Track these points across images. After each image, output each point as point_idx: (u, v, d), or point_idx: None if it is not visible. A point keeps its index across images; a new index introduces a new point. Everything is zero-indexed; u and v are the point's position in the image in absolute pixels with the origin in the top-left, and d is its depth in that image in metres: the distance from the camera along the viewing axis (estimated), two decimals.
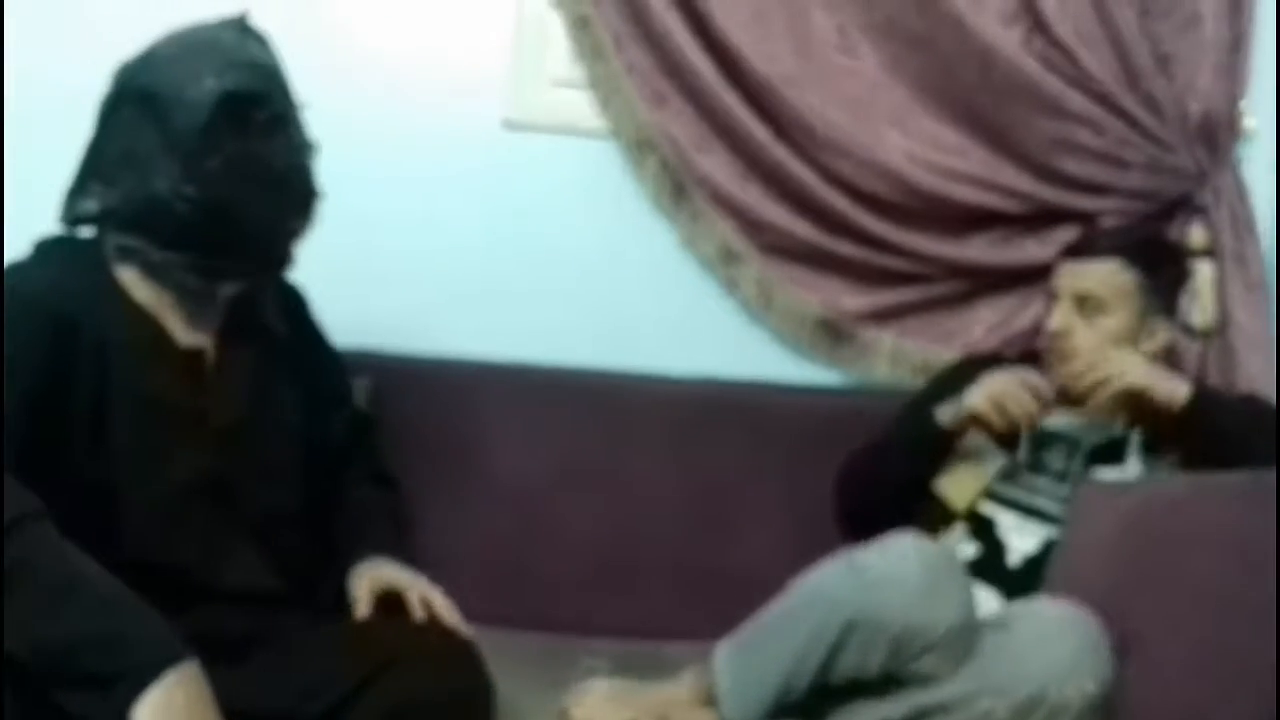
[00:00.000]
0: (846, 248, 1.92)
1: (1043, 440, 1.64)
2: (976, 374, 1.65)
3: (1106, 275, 1.63)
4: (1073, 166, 1.88)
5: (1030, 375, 1.60)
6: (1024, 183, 1.91)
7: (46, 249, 1.33)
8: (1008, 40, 1.86)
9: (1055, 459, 1.63)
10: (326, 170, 1.38)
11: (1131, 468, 1.61)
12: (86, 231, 1.34)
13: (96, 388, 1.25)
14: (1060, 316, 1.65)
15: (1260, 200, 1.94)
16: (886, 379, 1.95)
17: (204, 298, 1.34)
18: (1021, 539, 1.60)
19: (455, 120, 1.93)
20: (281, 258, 1.37)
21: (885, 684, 1.35)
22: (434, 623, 1.35)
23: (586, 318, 1.96)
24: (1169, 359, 1.72)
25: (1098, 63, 1.86)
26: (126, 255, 1.31)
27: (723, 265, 1.95)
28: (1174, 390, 1.55)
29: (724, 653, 1.42)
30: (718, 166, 1.90)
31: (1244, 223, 1.91)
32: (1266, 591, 1.30)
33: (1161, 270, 1.68)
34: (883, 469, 1.71)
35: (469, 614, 1.66)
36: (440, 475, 1.73)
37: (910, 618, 1.32)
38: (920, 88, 1.92)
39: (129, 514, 1.25)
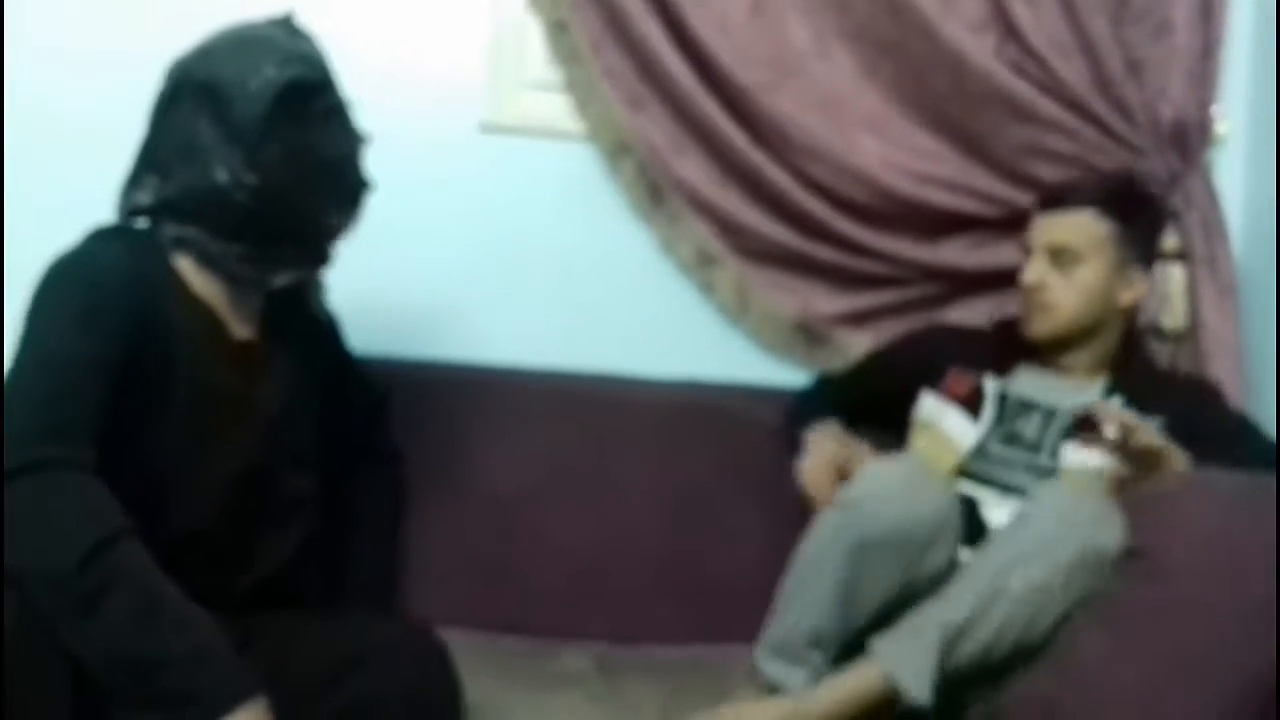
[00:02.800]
0: (823, 251, 1.93)
1: (1015, 409, 1.63)
2: (941, 344, 1.73)
3: (1080, 225, 1.62)
4: (1045, 171, 1.89)
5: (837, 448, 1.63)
6: (997, 187, 1.92)
7: (106, 236, 1.33)
8: (979, 47, 1.87)
9: (1029, 429, 1.62)
10: None
11: (1109, 434, 1.57)
12: (141, 223, 1.36)
13: (158, 374, 1.26)
14: (1035, 269, 1.64)
15: (1231, 205, 1.96)
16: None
17: (255, 288, 1.37)
18: (1003, 515, 1.60)
19: (432, 123, 1.93)
20: (331, 248, 1.40)
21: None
22: (404, 620, 1.37)
23: (564, 321, 1.96)
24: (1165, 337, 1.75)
25: (1070, 69, 1.88)
26: (182, 245, 1.33)
27: (700, 268, 1.96)
28: (1180, 460, 1.49)
29: (761, 650, 1.47)
30: (695, 170, 1.91)
31: (1215, 227, 1.92)
32: (1247, 591, 1.30)
33: (1137, 219, 1.66)
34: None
35: (450, 617, 1.67)
36: (420, 478, 1.72)
37: (903, 518, 1.41)
38: (895, 94, 1.94)
39: (178, 498, 1.27)
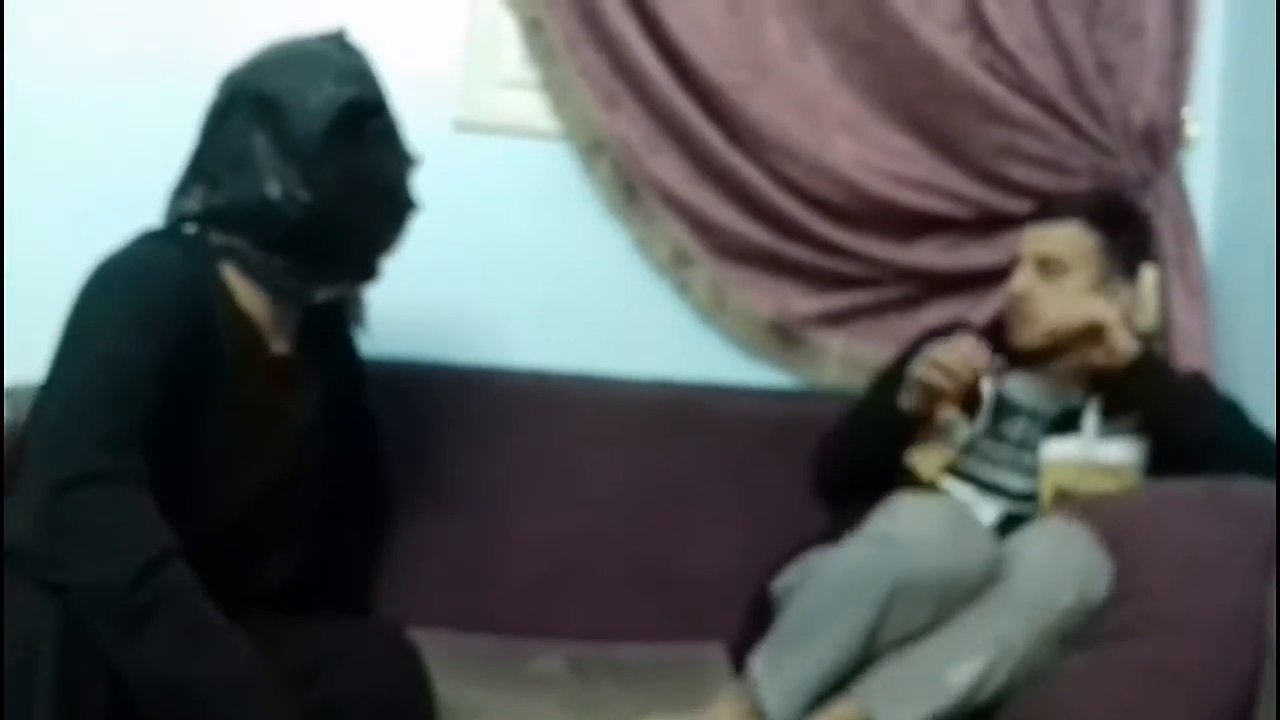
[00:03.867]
0: (798, 251, 1.94)
1: (1003, 410, 1.67)
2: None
3: (1069, 237, 1.65)
4: (1018, 172, 1.91)
5: (966, 338, 1.64)
6: (971, 188, 1.94)
7: (157, 239, 1.32)
8: (954, 48, 1.89)
9: (1015, 428, 1.67)
10: None
11: (1088, 434, 1.64)
12: (188, 228, 1.35)
13: (198, 383, 1.25)
14: (1023, 278, 1.66)
15: (1202, 206, 1.99)
16: (837, 381, 1.97)
17: (296, 301, 1.37)
18: (980, 513, 1.63)
19: (407, 120, 1.91)
20: (376, 266, 1.41)
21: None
22: (376, 622, 1.38)
23: (538, 319, 1.96)
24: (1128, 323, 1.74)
25: (1043, 70, 1.89)
26: (228, 255, 1.32)
27: (675, 267, 1.97)
28: (1128, 342, 1.58)
29: (762, 665, 1.43)
30: (670, 169, 1.92)
31: (1186, 228, 1.95)
32: (1217, 602, 1.33)
33: (1122, 234, 1.69)
34: (850, 450, 1.75)
35: (423, 616, 1.67)
36: (394, 477, 1.72)
37: (947, 568, 1.38)
38: (870, 94, 1.95)
39: (200, 507, 1.25)
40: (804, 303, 1.97)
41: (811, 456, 1.83)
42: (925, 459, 1.67)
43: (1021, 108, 1.89)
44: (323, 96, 1.28)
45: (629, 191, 1.94)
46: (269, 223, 1.28)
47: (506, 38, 1.94)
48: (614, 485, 1.84)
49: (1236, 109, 2.01)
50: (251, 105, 1.29)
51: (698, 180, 1.93)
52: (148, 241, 1.30)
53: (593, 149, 1.93)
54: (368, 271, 1.40)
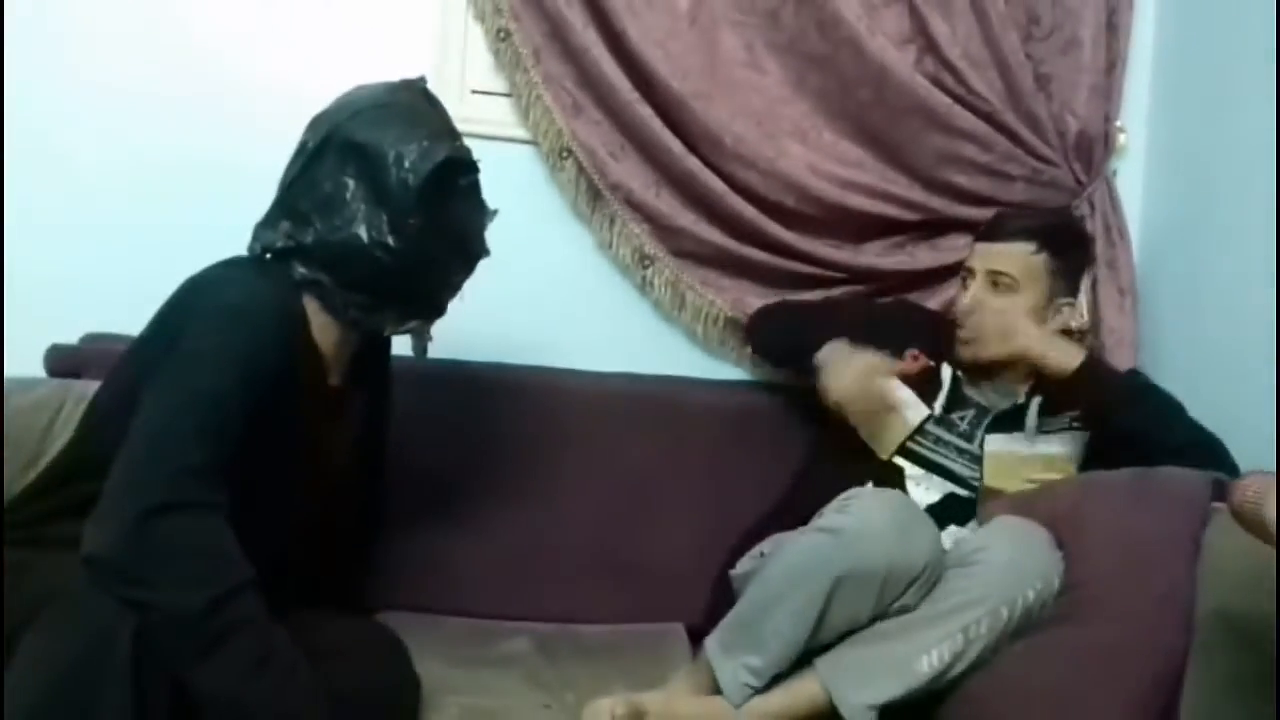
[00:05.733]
0: (753, 253, 2.01)
1: (955, 400, 1.76)
2: (913, 320, 1.86)
3: (1018, 256, 1.71)
4: (961, 179, 1.99)
5: (872, 359, 1.71)
6: (916, 194, 2.02)
7: (248, 267, 1.35)
8: (901, 61, 1.96)
9: (963, 421, 1.75)
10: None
11: (1029, 429, 1.73)
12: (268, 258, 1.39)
13: (271, 412, 1.26)
14: (972, 294, 1.73)
15: (1132, 211, 2.09)
16: (790, 375, 2.04)
17: (367, 334, 1.42)
18: (925, 492, 1.72)
19: None
20: (445, 305, 1.46)
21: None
22: (364, 619, 1.44)
23: (505, 317, 2.00)
24: (1071, 336, 1.83)
25: (984, 83, 1.97)
26: (310, 287, 1.36)
27: (637, 268, 2.04)
28: (1067, 359, 1.66)
29: (715, 645, 1.50)
30: (632, 175, 1.98)
31: (1117, 231, 2.05)
32: (1146, 587, 1.39)
33: (1069, 254, 1.75)
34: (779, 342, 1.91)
35: (392, 602, 1.72)
36: None
37: (893, 560, 1.44)
38: (821, 104, 2.02)
39: (246, 530, 1.21)
40: (759, 301, 2.04)
41: (751, 319, 1.98)
42: (885, 435, 1.74)
43: (963, 117, 1.97)
44: (420, 152, 1.33)
45: (593, 195, 2.01)
46: (354, 263, 1.33)
47: (475, 47, 2.00)
48: (579, 475, 1.88)
49: (1164, 119, 2.11)
50: (345, 151, 1.33)
51: (658, 185, 1.99)
52: (244, 270, 1.33)
53: (558, 154, 1.99)
54: (438, 310, 1.46)
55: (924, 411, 1.74)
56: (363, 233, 1.32)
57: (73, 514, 1.17)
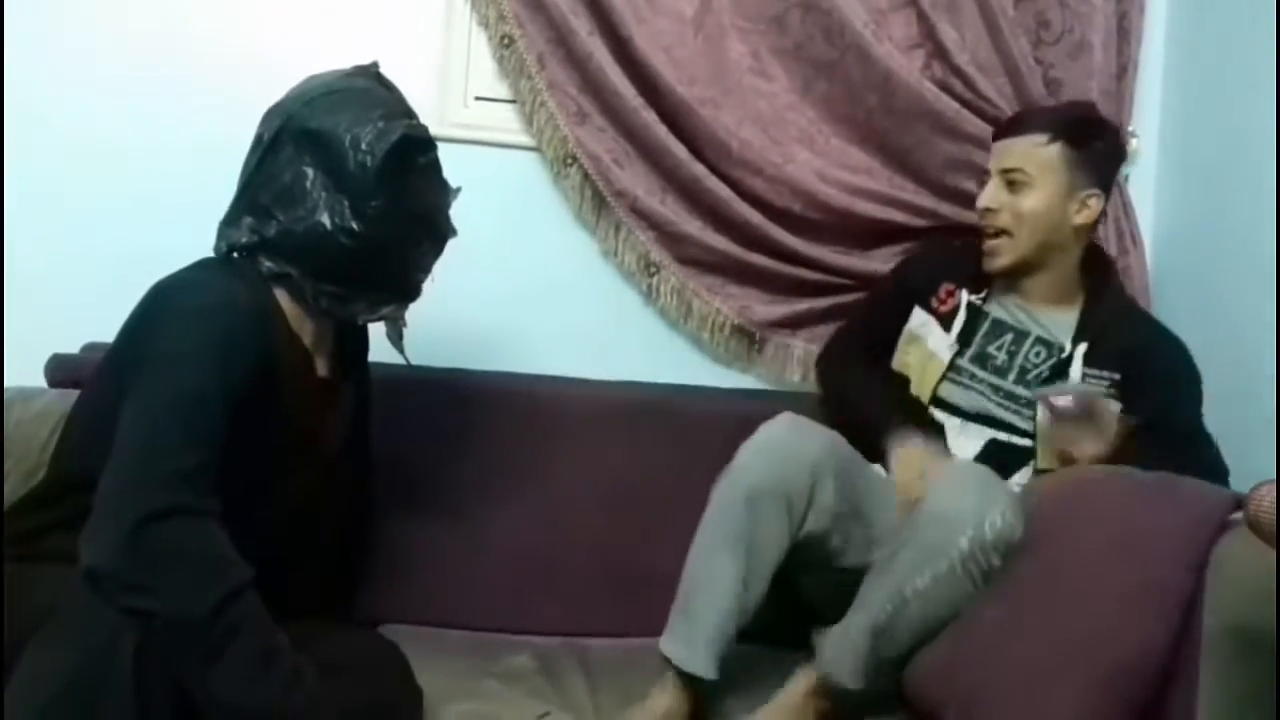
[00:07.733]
0: (760, 260, 2.00)
1: (988, 331, 1.72)
2: (931, 263, 1.83)
3: (1030, 150, 1.68)
4: (970, 185, 1.96)
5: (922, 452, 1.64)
6: (924, 200, 2.01)
7: (215, 267, 1.35)
8: (909, 67, 1.95)
9: (1000, 352, 1.71)
10: None
11: (1073, 381, 1.66)
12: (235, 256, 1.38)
13: (259, 409, 1.26)
14: (989, 194, 1.71)
15: (1144, 216, 2.07)
16: (798, 382, 2.05)
17: (343, 322, 1.41)
18: (967, 441, 1.68)
19: None
20: (417, 286, 1.45)
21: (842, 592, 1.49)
22: (366, 632, 1.43)
23: (510, 326, 2.01)
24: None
25: (993, 88, 1.96)
26: (279, 280, 1.36)
27: (643, 275, 2.02)
28: (1110, 440, 1.56)
29: (667, 639, 1.52)
30: (637, 181, 1.97)
31: (1129, 236, 2.03)
32: (1135, 575, 1.36)
33: (1090, 144, 1.69)
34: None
35: (394, 615, 1.71)
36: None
37: (777, 462, 1.49)
38: (829, 110, 2.01)
39: (244, 526, 1.21)
40: (766, 308, 2.04)
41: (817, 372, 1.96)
42: (918, 377, 1.72)
43: (973, 123, 1.95)
44: (375, 133, 1.32)
45: (598, 202, 1.99)
46: (320, 251, 1.33)
47: (479, 54, 1.99)
48: (584, 486, 1.86)
49: (1176, 124, 2.09)
50: (300, 140, 1.33)
51: (664, 192, 1.98)
52: (210, 270, 1.33)
53: (563, 161, 1.98)
54: (411, 292, 1.45)
55: (946, 345, 1.72)
56: (326, 220, 1.32)
57: (63, 528, 1.16)
